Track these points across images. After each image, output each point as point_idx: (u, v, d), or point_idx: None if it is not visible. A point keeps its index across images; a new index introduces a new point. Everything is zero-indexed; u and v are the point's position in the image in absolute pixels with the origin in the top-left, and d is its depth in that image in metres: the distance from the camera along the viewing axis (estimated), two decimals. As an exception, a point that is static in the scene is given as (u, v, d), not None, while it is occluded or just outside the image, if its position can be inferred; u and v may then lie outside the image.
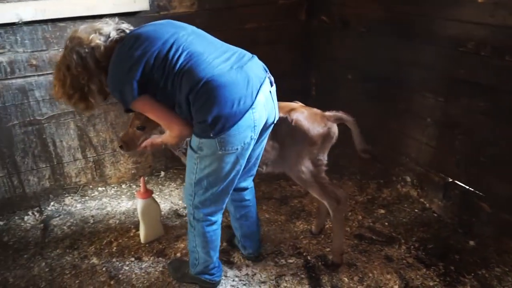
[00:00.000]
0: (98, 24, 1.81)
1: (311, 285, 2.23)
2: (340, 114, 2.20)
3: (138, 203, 2.52)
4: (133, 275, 2.35)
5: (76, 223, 2.86)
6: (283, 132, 2.10)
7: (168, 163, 3.44)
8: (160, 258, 2.47)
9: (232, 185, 1.91)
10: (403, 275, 2.26)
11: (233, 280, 2.28)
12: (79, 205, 3.06)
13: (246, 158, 1.85)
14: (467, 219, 2.55)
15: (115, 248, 2.58)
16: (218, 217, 2.02)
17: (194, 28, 1.85)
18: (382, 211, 2.83)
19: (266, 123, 1.84)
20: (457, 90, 2.45)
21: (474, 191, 2.48)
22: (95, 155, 3.17)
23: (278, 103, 1.94)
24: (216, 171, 1.79)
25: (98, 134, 3.12)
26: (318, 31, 3.59)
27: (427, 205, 2.83)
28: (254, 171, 2.16)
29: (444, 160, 2.65)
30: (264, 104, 1.77)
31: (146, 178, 2.52)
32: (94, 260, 2.48)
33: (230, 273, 2.33)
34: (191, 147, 1.81)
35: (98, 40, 1.74)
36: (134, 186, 3.29)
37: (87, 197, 3.15)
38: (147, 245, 2.59)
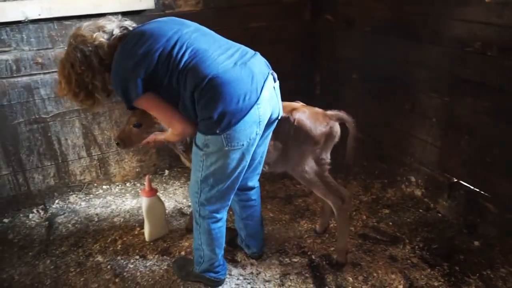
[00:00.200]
0: (101, 21, 1.81)
1: (315, 284, 2.23)
2: (341, 113, 2.21)
3: (143, 202, 2.53)
4: (138, 273, 2.35)
5: (80, 221, 2.87)
6: (285, 132, 2.10)
7: (173, 162, 3.44)
8: (165, 257, 2.47)
9: (238, 182, 1.91)
10: (408, 275, 2.26)
11: (238, 279, 2.28)
12: (83, 203, 3.07)
13: (251, 154, 1.86)
14: (472, 220, 2.55)
15: (119, 246, 2.59)
16: (223, 214, 2.02)
17: (197, 25, 1.86)
18: (387, 211, 2.83)
19: (270, 118, 1.85)
20: (463, 90, 2.45)
21: (479, 192, 2.47)
22: (99, 153, 3.18)
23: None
24: (222, 167, 1.79)
25: (102, 132, 3.13)
26: (323, 30, 3.58)
27: (432, 205, 2.82)
28: (260, 169, 2.16)
29: (449, 160, 2.64)
30: (268, 100, 1.78)
31: (150, 177, 2.52)
32: (99, 258, 2.49)
33: (235, 271, 2.33)
34: (196, 144, 1.81)
35: (102, 38, 1.74)
36: (138, 185, 3.30)
37: (91, 195, 3.15)
38: (151, 243, 2.59)
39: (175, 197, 3.12)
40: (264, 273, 2.32)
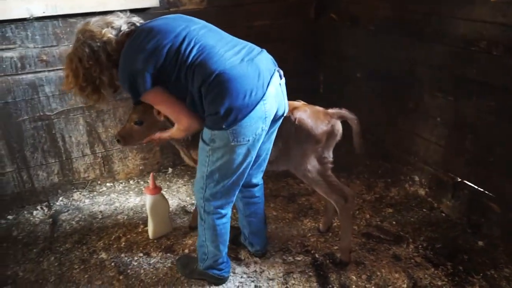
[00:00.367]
0: (109, 17, 1.83)
1: (319, 283, 2.23)
2: (343, 111, 2.20)
3: (147, 199, 2.53)
4: (142, 271, 2.36)
5: (84, 218, 2.88)
6: (286, 131, 2.10)
7: (176, 160, 3.45)
8: (169, 254, 2.48)
9: (243, 178, 1.92)
10: (411, 274, 2.26)
11: (241, 277, 2.29)
12: (87, 201, 3.08)
13: (257, 150, 1.87)
14: (475, 219, 2.55)
15: (123, 243, 2.60)
16: (228, 210, 2.03)
17: (204, 22, 1.88)
18: (390, 210, 2.83)
19: (276, 115, 1.86)
20: (467, 89, 2.44)
21: (483, 191, 2.47)
22: (103, 150, 3.19)
23: None
24: (228, 162, 1.81)
25: (106, 130, 3.14)
26: (327, 28, 3.58)
27: (435, 204, 2.82)
28: (264, 167, 2.16)
29: (453, 159, 2.64)
30: (274, 96, 1.79)
31: (154, 174, 2.52)
32: (103, 255, 2.50)
33: (238, 269, 2.34)
34: (203, 139, 1.82)
35: (110, 34, 1.76)
36: (142, 182, 3.30)
37: (95, 193, 3.16)
38: (155, 241, 2.60)
39: (179, 195, 3.12)
40: (268, 271, 2.32)
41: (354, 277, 2.26)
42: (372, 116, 3.17)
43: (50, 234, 2.73)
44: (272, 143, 2.05)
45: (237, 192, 1.99)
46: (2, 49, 2.63)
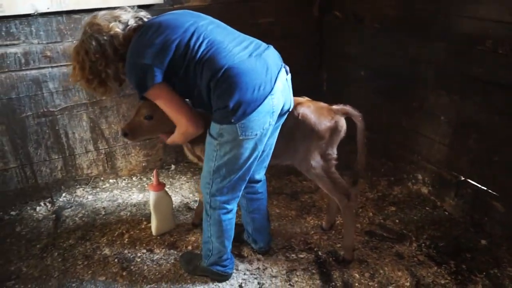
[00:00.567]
0: (117, 11, 1.84)
1: (322, 281, 2.23)
2: (347, 108, 2.19)
3: (151, 196, 2.53)
4: (145, 267, 2.37)
5: (87, 214, 2.88)
6: (289, 127, 2.09)
7: (179, 157, 3.45)
8: (172, 251, 2.48)
9: (249, 173, 1.93)
10: (414, 272, 2.26)
11: (245, 274, 2.29)
12: (90, 197, 3.08)
13: (264, 145, 1.88)
14: (479, 218, 2.55)
15: (126, 239, 2.60)
16: (234, 206, 2.04)
17: (211, 18, 1.89)
18: (393, 208, 2.83)
19: (282, 110, 1.87)
20: (473, 88, 2.43)
21: (487, 190, 2.47)
22: (106, 147, 3.19)
23: None
24: (236, 157, 1.82)
25: (110, 126, 3.14)
26: (331, 26, 3.57)
27: (439, 203, 2.82)
28: (267, 163, 2.17)
29: (457, 158, 2.64)
30: (282, 91, 1.81)
31: (157, 171, 2.53)
32: (106, 251, 2.50)
33: (241, 266, 2.34)
34: (211, 134, 1.83)
35: (117, 29, 1.77)
36: (144, 179, 3.31)
37: (98, 189, 3.17)
38: (158, 237, 2.60)
39: (182, 191, 3.13)
40: (271, 269, 2.32)
41: (357, 275, 2.26)
42: (375, 115, 3.17)
43: (54, 230, 2.73)
44: (275, 139, 2.06)
45: (243, 187, 2.00)
46: (6, 45, 2.63)
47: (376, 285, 2.19)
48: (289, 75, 1.91)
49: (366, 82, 3.32)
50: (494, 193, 2.44)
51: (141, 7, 2.79)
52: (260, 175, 2.22)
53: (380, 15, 3.05)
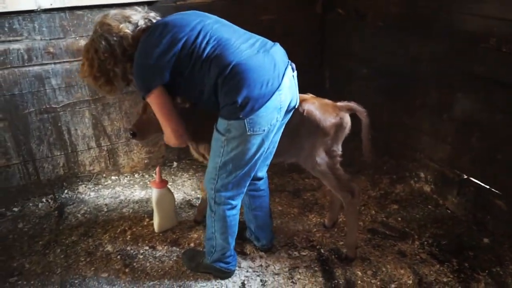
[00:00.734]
0: (128, 11, 1.86)
1: (324, 278, 2.24)
2: (352, 104, 2.19)
3: (153, 193, 2.53)
4: (148, 264, 2.37)
5: (90, 211, 2.88)
6: (294, 123, 2.09)
7: (181, 154, 3.45)
8: (174, 248, 2.48)
9: (254, 169, 1.94)
10: (417, 270, 2.26)
11: (247, 271, 2.29)
12: (92, 194, 3.08)
13: (270, 141, 1.89)
14: (481, 217, 2.54)
15: (129, 236, 2.60)
16: (238, 202, 2.04)
17: (217, 17, 1.90)
18: (395, 206, 2.83)
19: (289, 106, 1.88)
20: (476, 86, 2.43)
21: (490, 189, 2.47)
22: (109, 144, 3.19)
23: None
24: (242, 153, 1.82)
25: (112, 123, 3.13)
26: (334, 24, 3.57)
27: (441, 201, 2.82)
28: (269, 160, 2.18)
29: (459, 156, 2.63)
30: (289, 87, 1.83)
31: (160, 168, 2.53)
32: (109, 248, 2.51)
33: (244, 264, 2.34)
34: (218, 130, 1.84)
35: (127, 30, 1.80)
36: (146, 176, 3.31)
37: (100, 186, 3.17)
38: (161, 234, 2.60)
39: (184, 189, 3.13)
40: (273, 266, 2.32)
41: (359, 273, 2.26)
42: (378, 112, 3.15)
43: (56, 226, 2.73)
44: (279, 136, 2.06)
45: (247, 184, 2.00)
46: (9, 41, 2.63)
47: (378, 283, 2.19)
48: (295, 72, 1.92)
49: (369, 80, 3.32)
50: (496, 191, 2.43)
51: (144, 3, 2.81)
52: (262, 172, 2.23)
53: (383, 12, 3.04)
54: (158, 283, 2.23)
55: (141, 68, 1.78)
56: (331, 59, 3.72)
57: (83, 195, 3.06)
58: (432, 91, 2.74)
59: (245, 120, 1.72)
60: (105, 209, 2.90)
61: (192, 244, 2.52)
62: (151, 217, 2.72)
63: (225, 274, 2.22)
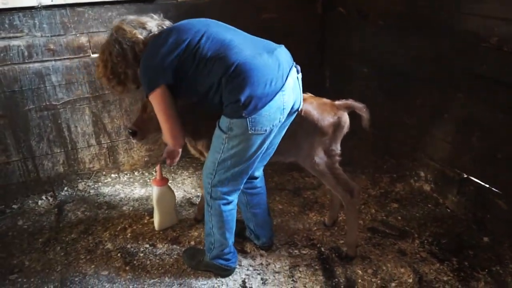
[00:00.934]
0: (144, 18, 1.93)
1: (325, 277, 2.24)
2: (350, 102, 2.19)
3: (154, 191, 2.53)
4: (148, 262, 2.36)
5: (89, 208, 2.88)
6: (293, 123, 2.08)
7: (181, 152, 3.43)
8: (175, 246, 2.48)
9: (252, 167, 1.95)
10: (417, 269, 2.27)
11: (248, 269, 2.29)
12: (92, 191, 3.08)
13: (270, 142, 1.90)
14: (481, 216, 2.55)
15: (129, 234, 2.60)
16: (234, 198, 2.05)
17: (225, 24, 1.95)
18: (395, 205, 2.83)
19: (292, 108, 1.89)
20: (477, 86, 2.43)
21: (490, 188, 2.47)
22: (109, 141, 3.18)
23: None
24: (243, 151, 1.84)
25: (112, 120, 3.13)
26: (334, 23, 3.56)
27: (441, 200, 2.83)
28: (267, 160, 2.19)
29: (460, 156, 2.64)
30: (292, 88, 1.83)
31: (160, 166, 2.52)
32: (109, 245, 2.50)
33: (245, 262, 2.34)
34: (220, 127, 1.85)
35: (140, 36, 1.86)
36: (146, 174, 3.30)
37: (100, 183, 3.16)
38: (161, 232, 2.60)
39: (184, 187, 3.12)
40: (274, 264, 2.33)
41: (360, 271, 2.27)
42: (378, 112, 3.15)
43: (56, 224, 2.73)
44: (280, 139, 2.06)
45: (244, 181, 2.01)
46: (10, 38, 2.62)
47: (379, 281, 2.20)
48: (300, 74, 1.93)
49: (369, 79, 3.32)
50: (496, 190, 2.44)
51: (145, 1, 2.81)
52: (259, 172, 2.26)
53: (384, 11, 3.04)
54: (159, 281, 2.23)
55: (146, 66, 1.81)
56: (331, 59, 3.72)
57: (83, 193, 3.06)
58: (432, 91, 2.74)
59: (248, 119, 1.73)
60: (105, 207, 2.89)
61: (192, 242, 2.52)
62: (151, 215, 2.72)
63: (226, 272, 2.22)
